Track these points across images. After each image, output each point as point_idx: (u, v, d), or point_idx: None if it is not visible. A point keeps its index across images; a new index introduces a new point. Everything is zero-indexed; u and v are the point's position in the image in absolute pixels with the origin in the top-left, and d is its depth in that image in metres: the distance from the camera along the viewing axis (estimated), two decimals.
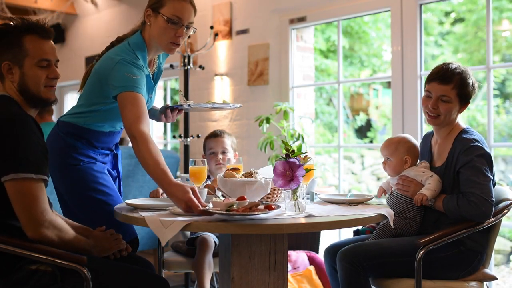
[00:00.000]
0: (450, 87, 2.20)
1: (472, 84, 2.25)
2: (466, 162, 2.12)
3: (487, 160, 2.13)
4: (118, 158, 2.46)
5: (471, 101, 2.29)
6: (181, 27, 2.19)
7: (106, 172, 2.35)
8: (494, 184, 2.18)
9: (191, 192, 1.83)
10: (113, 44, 2.32)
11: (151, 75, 2.34)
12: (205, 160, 2.19)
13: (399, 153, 2.32)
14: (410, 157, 2.32)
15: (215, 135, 3.00)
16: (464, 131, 2.24)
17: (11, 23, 1.89)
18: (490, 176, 2.11)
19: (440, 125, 2.26)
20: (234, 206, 1.76)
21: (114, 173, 2.43)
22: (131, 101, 2.07)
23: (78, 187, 2.24)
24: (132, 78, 2.09)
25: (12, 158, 1.71)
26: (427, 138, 2.43)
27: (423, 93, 2.31)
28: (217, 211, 1.73)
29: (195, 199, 1.82)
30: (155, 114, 2.52)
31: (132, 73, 2.10)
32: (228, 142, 2.99)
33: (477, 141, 2.16)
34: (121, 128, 2.40)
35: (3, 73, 1.88)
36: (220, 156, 2.92)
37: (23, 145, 1.72)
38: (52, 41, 1.94)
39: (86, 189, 2.23)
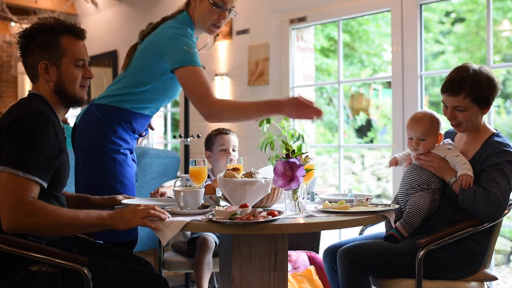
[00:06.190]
0: (461, 97, 2.15)
1: (490, 84, 2.17)
2: (495, 164, 2.10)
3: None
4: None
5: (495, 99, 2.22)
6: (224, 11, 2.30)
7: (132, 165, 2.38)
8: None
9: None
10: (158, 24, 2.37)
11: None
12: (206, 160, 2.19)
13: (435, 131, 2.25)
14: (442, 134, 2.28)
15: (226, 132, 3.01)
16: (496, 135, 2.20)
17: (43, 22, 1.89)
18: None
19: (466, 131, 2.23)
20: (238, 214, 1.76)
21: (133, 156, 2.45)
22: (195, 75, 2.17)
23: (106, 175, 2.24)
24: (190, 51, 2.17)
25: (9, 152, 1.71)
26: (449, 134, 2.40)
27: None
28: (221, 220, 1.73)
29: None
30: None
31: (189, 46, 2.18)
32: (237, 141, 3.04)
33: (510, 146, 2.15)
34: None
35: (39, 72, 1.88)
36: (231, 153, 2.95)
37: (26, 143, 1.72)
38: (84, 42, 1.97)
39: (114, 179, 2.25)
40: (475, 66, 2.19)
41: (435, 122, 2.26)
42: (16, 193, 1.67)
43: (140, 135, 2.46)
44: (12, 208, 1.67)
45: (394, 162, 2.43)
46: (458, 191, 2.13)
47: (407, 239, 2.18)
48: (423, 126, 2.25)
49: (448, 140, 2.32)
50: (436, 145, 2.27)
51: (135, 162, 2.44)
